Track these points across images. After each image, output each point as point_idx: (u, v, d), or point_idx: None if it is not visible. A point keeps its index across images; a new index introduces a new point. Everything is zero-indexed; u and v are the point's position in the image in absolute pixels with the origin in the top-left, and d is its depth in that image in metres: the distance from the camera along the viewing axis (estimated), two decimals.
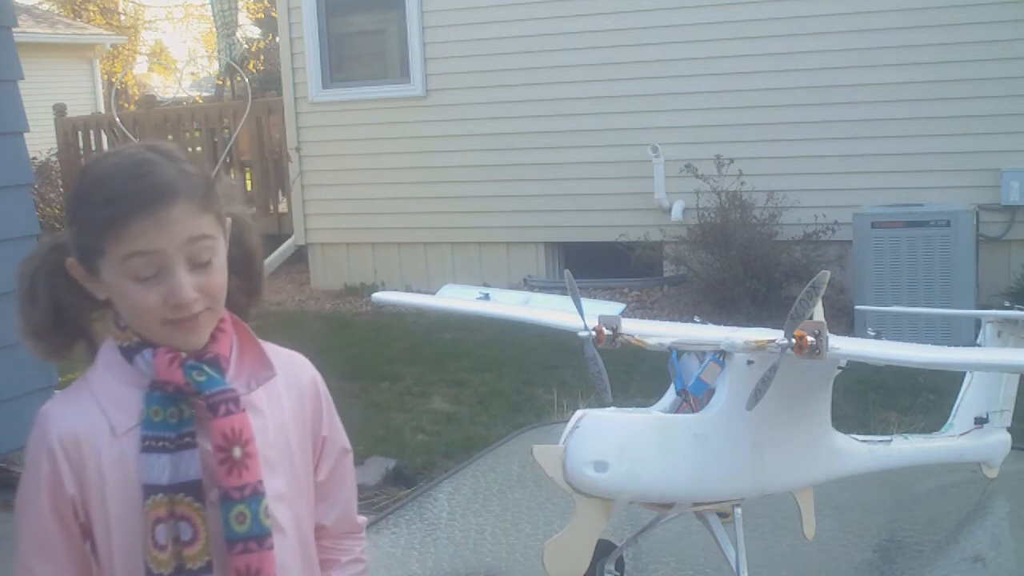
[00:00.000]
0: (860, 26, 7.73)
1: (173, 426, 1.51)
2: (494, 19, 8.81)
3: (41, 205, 10.87)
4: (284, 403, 1.65)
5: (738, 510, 2.76)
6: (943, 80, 7.56)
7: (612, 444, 2.58)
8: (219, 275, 1.55)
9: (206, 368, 1.54)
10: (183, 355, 1.53)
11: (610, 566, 2.94)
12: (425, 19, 9.05)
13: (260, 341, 1.66)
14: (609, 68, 8.44)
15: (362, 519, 1.83)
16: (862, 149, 7.81)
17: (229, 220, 1.61)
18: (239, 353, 1.62)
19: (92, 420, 1.53)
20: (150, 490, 1.49)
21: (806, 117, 7.95)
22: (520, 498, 3.84)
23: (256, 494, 1.53)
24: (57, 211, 11.86)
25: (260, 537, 1.53)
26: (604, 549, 2.91)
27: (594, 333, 2.85)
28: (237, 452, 1.52)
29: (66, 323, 1.60)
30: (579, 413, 2.64)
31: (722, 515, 2.79)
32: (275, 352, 1.68)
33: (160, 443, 1.50)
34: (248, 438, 1.53)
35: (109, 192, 1.49)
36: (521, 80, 8.77)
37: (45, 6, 23.64)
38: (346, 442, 1.77)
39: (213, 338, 1.58)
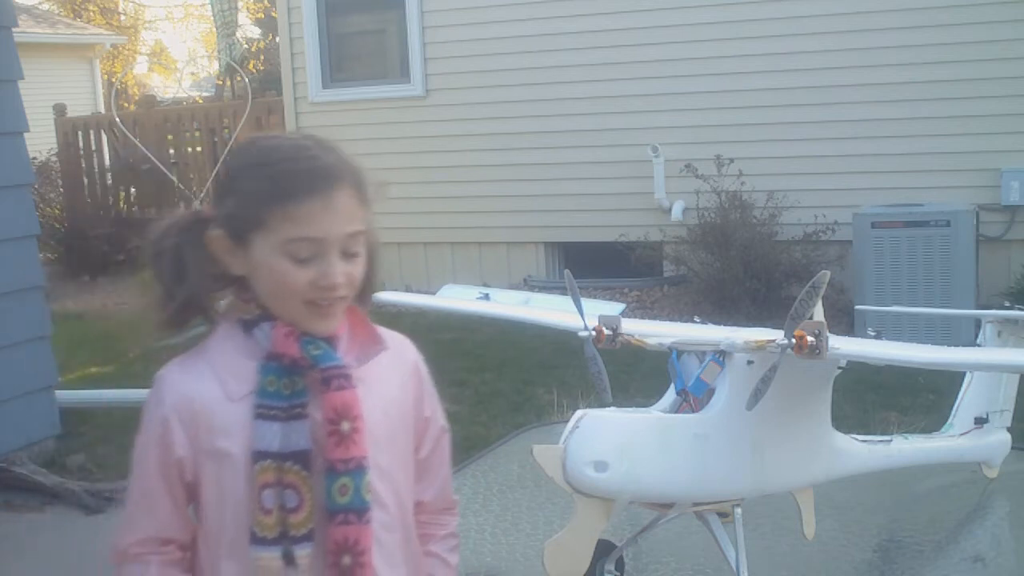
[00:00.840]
0: (860, 26, 7.72)
1: (286, 396, 1.57)
2: (494, 19, 8.80)
3: (41, 205, 10.85)
4: (392, 381, 1.70)
5: (738, 510, 2.76)
6: (943, 80, 7.55)
7: (612, 444, 2.58)
8: (362, 266, 1.63)
9: (321, 343, 1.59)
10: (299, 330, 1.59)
11: (610, 566, 2.94)
12: (425, 19, 9.05)
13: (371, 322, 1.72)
14: (609, 68, 8.43)
15: (456, 497, 1.88)
16: (862, 149, 7.80)
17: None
18: (350, 332, 1.67)
19: (207, 386, 1.58)
20: (260, 456, 1.54)
21: (806, 117, 7.94)
22: (520, 498, 3.84)
23: (360, 468, 1.58)
24: (57, 211, 11.85)
25: (360, 510, 1.58)
26: (604, 549, 2.91)
27: (594, 333, 2.85)
28: (345, 426, 1.57)
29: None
30: (579, 413, 2.64)
31: (722, 515, 2.79)
32: (384, 332, 1.73)
33: (272, 411, 1.56)
34: (357, 414, 1.58)
35: (280, 168, 1.55)
36: (521, 80, 8.76)
37: (45, 6, 23.63)
38: (445, 422, 1.82)
39: None
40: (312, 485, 1.56)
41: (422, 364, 1.78)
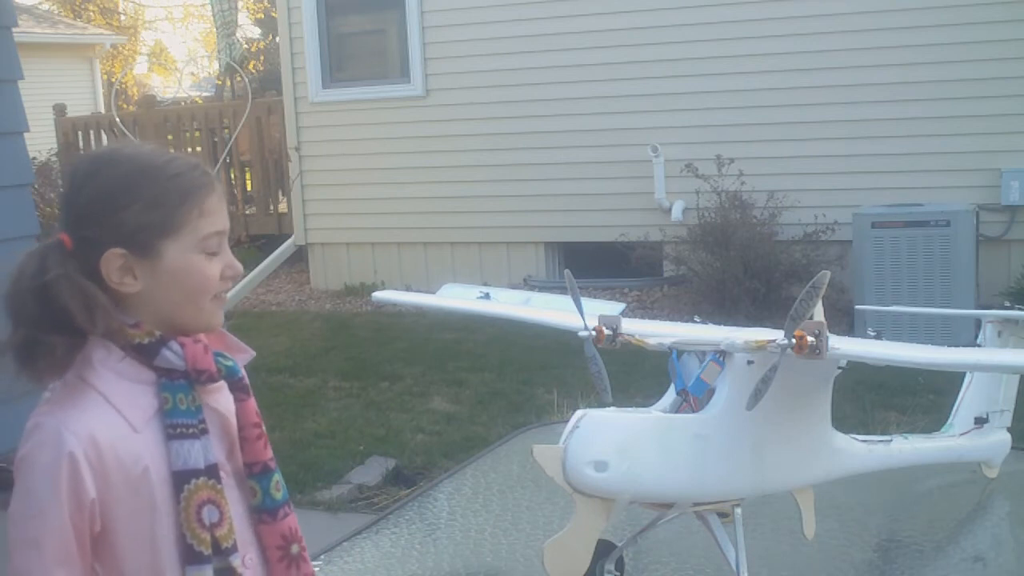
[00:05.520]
0: (860, 26, 7.73)
1: (193, 413, 1.57)
2: (494, 19, 8.81)
3: (41, 205, 10.85)
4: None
5: (738, 510, 2.76)
6: (943, 80, 7.56)
7: (612, 444, 2.58)
8: None
9: (226, 355, 1.63)
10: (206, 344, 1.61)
11: (610, 566, 2.94)
12: (425, 19, 9.05)
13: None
14: (609, 68, 8.44)
15: None
16: (862, 149, 7.81)
17: None
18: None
19: (109, 421, 1.52)
20: (189, 475, 1.54)
21: (806, 117, 7.95)
22: (520, 498, 3.84)
23: (276, 464, 1.67)
24: (57, 211, 11.85)
25: (289, 501, 1.67)
26: (604, 549, 2.90)
27: (594, 333, 2.85)
28: (263, 427, 1.65)
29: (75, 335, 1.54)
30: (579, 413, 2.64)
31: (722, 515, 2.79)
32: None
33: (190, 429, 1.56)
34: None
35: (171, 170, 1.56)
36: (521, 80, 8.77)
37: (45, 6, 23.63)
38: None
39: None
40: (226, 497, 1.58)
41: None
